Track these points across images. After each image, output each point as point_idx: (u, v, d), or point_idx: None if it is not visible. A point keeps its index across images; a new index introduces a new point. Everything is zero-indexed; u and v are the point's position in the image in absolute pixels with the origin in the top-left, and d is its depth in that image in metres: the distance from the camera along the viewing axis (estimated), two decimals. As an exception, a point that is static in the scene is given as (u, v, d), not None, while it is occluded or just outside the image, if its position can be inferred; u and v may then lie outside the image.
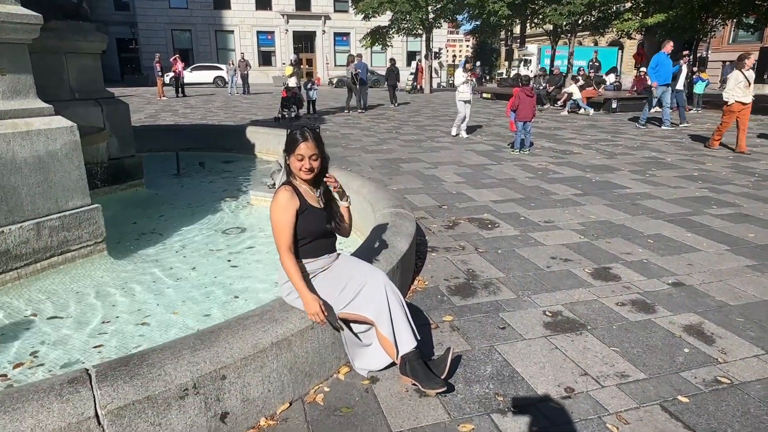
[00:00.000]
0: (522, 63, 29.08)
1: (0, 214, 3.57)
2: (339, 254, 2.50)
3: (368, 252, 3.13)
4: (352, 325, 2.42)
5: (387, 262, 3.02)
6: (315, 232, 2.31)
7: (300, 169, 2.28)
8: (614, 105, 16.08)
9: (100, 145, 5.85)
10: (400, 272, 3.19)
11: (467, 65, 10.56)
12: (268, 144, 8.75)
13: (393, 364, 2.45)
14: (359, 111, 15.93)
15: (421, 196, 5.99)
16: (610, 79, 19.94)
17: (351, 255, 2.68)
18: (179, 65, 20.66)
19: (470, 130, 11.52)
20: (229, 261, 4.22)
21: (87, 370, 1.83)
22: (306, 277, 2.30)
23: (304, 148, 2.26)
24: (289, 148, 2.28)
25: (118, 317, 3.31)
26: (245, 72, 22.79)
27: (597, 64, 20.26)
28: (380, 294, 2.26)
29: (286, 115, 13.34)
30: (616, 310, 3.28)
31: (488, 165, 7.88)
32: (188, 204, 5.89)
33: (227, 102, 19.13)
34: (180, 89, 21.08)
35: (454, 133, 10.85)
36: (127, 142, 6.32)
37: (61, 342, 3.00)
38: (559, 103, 17.58)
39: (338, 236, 2.62)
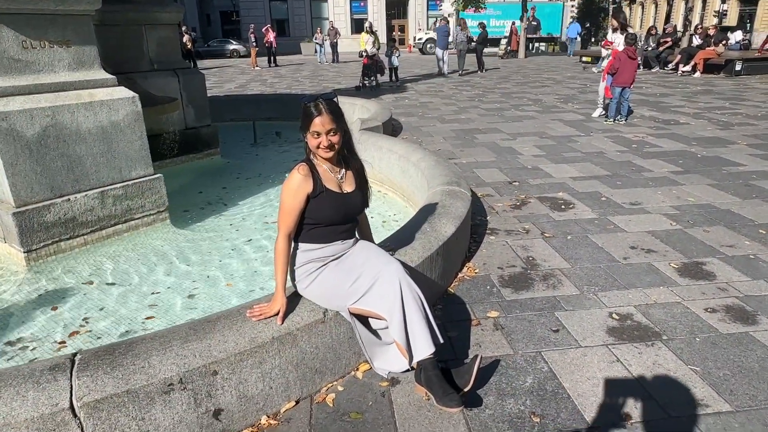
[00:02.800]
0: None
1: (66, 183, 3.71)
2: (357, 241, 2.22)
3: (407, 235, 2.83)
4: (371, 321, 2.15)
5: (424, 248, 2.70)
6: (328, 217, 2.06)
7: (318, 147, 2.01)
8: (738, 67, 13.91)
9: (175, 114, 6.00)
10: (442, 260, 2.86)
11: (615, 21, 7.39)
12: (345, 113, 8.67)
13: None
14: (459, 73, 15.78)
15: (491, 171, 5.53)
16: (736, 36, 17.29)
17: (376, 243, 2.39)
18: (271, 35, 21.11)
19: (565, 98, 10.55)
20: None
21: (74, 355, 1.75)
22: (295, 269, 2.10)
23: (320, 124, 1.99)
24: (304, 123, 2.02)
25: (169, 288, 3.35)
26: (334, 40, 22.79)
27: (534, 23, 17.31)
28: (393, 290, 1.96)
29: (367, 84, 13.09)
30: (704, 318, 2.70)
31: (575, 136, 7.13)
32: (257, 174, 5.94)
33: (315, 71, 19.28)
34: (272, 59, 21.60)
35: (597, 114, 8.34)
36: (203, 111, 6.43)
37: (114, 310, 3.08)
38: (671, 65, 15.59)
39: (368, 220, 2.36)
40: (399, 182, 4.85)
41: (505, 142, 6.92)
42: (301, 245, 2.12)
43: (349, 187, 2.16)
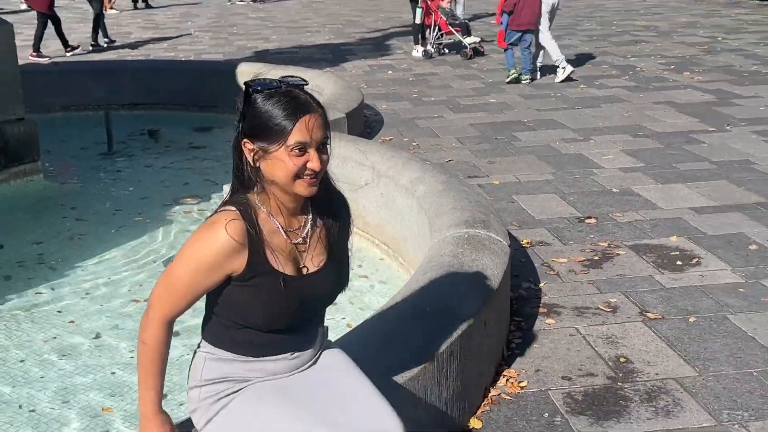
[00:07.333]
0: None
1: None
2: (321, 350, 2.25)
3: (391, 321, 2.90)
4: None
5: (423, 357, 2.74)
6: (269, 319, 2.05)
7: (299, 175, 1.96)
8: None
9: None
10: (459, 365, 2.92)
11: None
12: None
13: None
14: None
15: (547, 199, 5.71)
16: None
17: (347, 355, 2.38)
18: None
19: (677, 63, 10.89)
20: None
21: None
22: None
23: (310, 128, 1.94)
24: (269, 128, 1.94)
25: None
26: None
27: None
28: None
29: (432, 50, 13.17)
30: None
31: (698, 133, 7.41)
32: (112, 210, 6.00)
33: (221, 17, 19.69)
34: (143, -4, 22.07)
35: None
36: (10, 93, 6.50)
37: None
38: None
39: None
40: (377, 222, 4.93)
41: (570, 145, 7.13)
42: (218, 352, 2.12)
43: (315, 258, 2.15)
